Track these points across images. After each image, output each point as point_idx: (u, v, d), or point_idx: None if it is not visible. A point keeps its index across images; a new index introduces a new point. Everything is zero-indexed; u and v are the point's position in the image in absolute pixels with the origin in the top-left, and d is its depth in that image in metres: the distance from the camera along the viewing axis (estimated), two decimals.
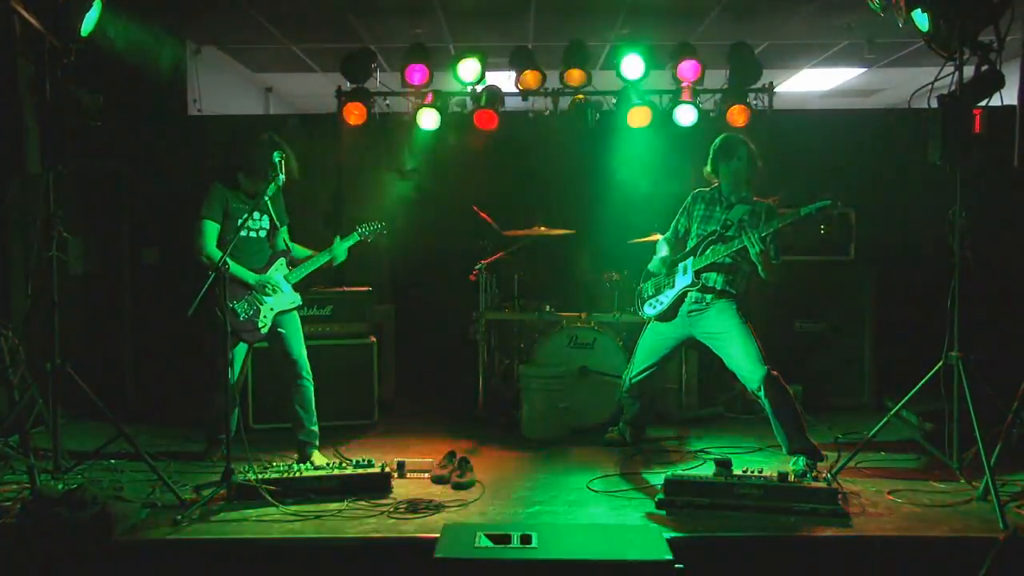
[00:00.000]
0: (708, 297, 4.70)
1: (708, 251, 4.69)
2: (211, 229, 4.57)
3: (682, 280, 4.80)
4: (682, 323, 4.83)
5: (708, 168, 4.81)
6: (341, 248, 4.87)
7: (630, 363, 5.17)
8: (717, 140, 4.80)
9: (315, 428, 4.80)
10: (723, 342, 4.65)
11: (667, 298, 4.87)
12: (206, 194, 4.61)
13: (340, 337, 5.78)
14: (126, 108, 5.61)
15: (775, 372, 4.45)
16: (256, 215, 4.69)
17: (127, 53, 5.91)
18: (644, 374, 5.04)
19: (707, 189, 4.89)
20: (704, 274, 4.71)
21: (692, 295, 4.75)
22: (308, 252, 4.90)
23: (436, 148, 6.92)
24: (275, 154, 4.42)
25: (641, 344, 5.09)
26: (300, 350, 4.77)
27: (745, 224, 4.60)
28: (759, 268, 4.49)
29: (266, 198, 4.48)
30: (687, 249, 4.85)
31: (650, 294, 5.03)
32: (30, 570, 3.49)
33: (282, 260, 4.77)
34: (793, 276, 5.71)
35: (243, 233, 4.57)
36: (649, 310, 5.01)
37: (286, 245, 4.84)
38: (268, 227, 4.74)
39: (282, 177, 4.43)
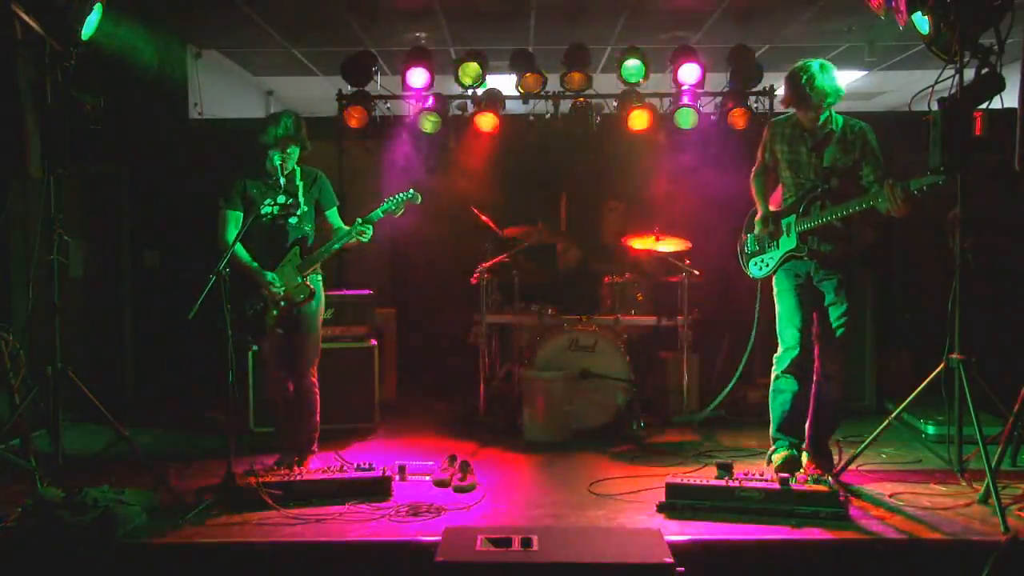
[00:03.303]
0: (819, 266, 4.44)
1: (813, 211, 4.36)
2: (227, 217, 4.50)
3: (786, 243, 4.50)
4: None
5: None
6: (367, 229, 4.62)
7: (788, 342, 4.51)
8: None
9: (310, 436, 4.77)
10: (829, 314, 4.44)
11: (772, 260, 4.58)
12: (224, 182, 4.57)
13: (341, 340, 5.76)
14: (127, 111, 5.61)
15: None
16: (280, 199, 4.55)
17: (121, 52, 5.91)
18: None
19: (782, 118, 4.55)
20: (810, 237, 4.40)
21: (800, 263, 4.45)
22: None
23: (437, 151, 6.93)
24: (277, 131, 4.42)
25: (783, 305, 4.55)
26: (299, 354, 4.64)
27: (841, 169, 4.29)
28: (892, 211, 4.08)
29: (281, 177, 4.40)
30: (788, 203, 4.52)
31: (754, 250, 4.73)
32: (32, 574, 3.49)
33: (296, 250, 4.58)
34: None
35: (265, 220, 4.52)
36: (755, 270, 4.72)
37: (305, 232, 4.63)
38: (294, 212, 4.57)
39: (297, 149, 4.41)
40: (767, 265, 4.63)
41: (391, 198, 4.72)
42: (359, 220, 4.62)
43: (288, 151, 4.47)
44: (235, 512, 3.95)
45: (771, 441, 4.62)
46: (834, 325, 4.43)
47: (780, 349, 4.55)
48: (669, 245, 5.98)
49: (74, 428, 5.39)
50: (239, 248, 4.43)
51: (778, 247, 4.55)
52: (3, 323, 4.90)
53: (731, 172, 5.50)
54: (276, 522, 3.83)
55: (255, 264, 4.51)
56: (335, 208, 4.79)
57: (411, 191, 4.75)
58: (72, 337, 5.51)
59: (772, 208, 4.64)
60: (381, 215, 4.68)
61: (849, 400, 4.66)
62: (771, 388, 4.60)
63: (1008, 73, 4.13)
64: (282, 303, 4.54)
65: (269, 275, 4.51)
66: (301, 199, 4.59)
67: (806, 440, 4.58)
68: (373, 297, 6.11)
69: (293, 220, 4.59)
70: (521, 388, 5.59)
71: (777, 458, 4.49)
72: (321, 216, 4.75)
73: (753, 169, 4.71)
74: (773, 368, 4.59)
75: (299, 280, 4.56)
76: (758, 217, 4.66)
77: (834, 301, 4.43)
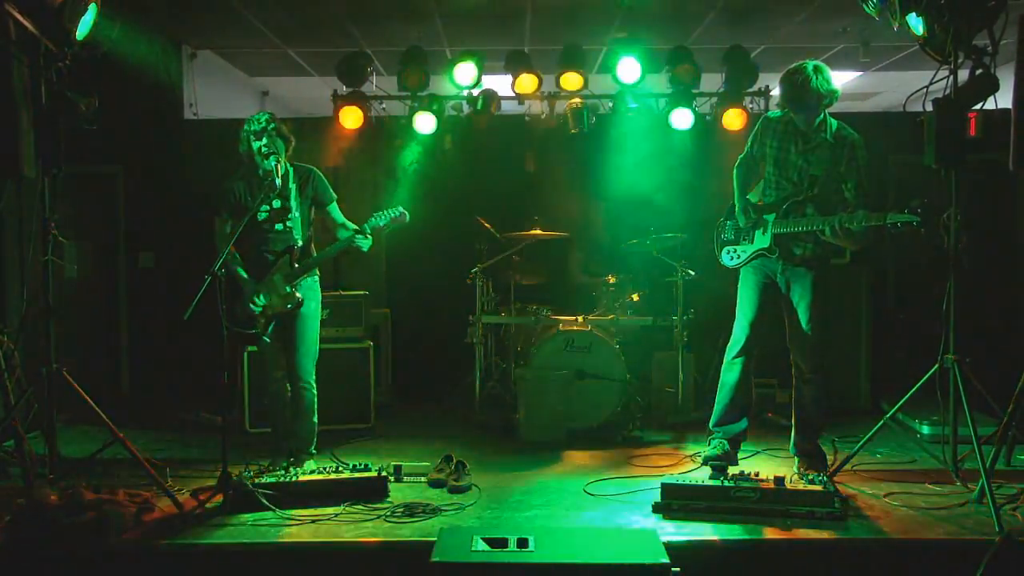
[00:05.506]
0: (787, 264, 4.48)
1: (791, 219, 4.40)
2: (220, 226, 4.56)
3: (760, 240, 4.53)
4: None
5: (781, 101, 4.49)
6: (365, 243, 4.58)
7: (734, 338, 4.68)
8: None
9: (307, 437, 4.75)
10: (797, 311, 4.48)
11: (744, 253, 4.60)
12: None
13: (337, 341, 5.76)
14: (122, 112, 5.59)
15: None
16: (276, 203, 4.51)
17: (125, 57, 5.90)
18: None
19: (777, 115, 4.56)
20: (783, 238, 4.44)
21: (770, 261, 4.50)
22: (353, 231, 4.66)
23: (432, 151, 6.92)
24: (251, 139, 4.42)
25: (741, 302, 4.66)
26: (294, 356, 4.62)
27: (825, 178, 4.35)
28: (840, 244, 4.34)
29: (276, 179, 4.37)
30: (768, 200, 4.54)
31: (729, 239, 4.70)
32: (26, 575, 3.48)
33: (286, 259, 4.54)
34: None
35: (262, 224, 4.51)
36: (727, 259, 4.70)
37: (296, 240, 4.54)
38: (286, 218, 4.51)
39: (281, 144, 4.41)
40: (739, 257, 4.65)
41: (379, 213, 4.63)
42: (355, 229, 4.59)
43: (269, 149, 4.41)
44: (230, 513, 3.95)
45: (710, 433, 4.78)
46: (803, 323, 4.46)
47: (731, 339, 4.67)
48: None
49: (69, 429, 5.38)
50: (234, 254, 4.45)
51: (752, 242, 4.58)
52: None
53: (726, 171, 5.51)
54: (272, 523, 3.82)
55: (245, 275, 4.54)
56: (335, 203, 4.73)
57: (399, 208, 4.65)
58: (67, 338, 5.49)
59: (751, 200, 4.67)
60: (370, 230, 4.59)
61: (836, 399, 4.67)
62: (720, 380, 4.73)
63: (1002, 74, 4.14)
64: (269, 312, 4.56)
65: (252, 289, 4.50)
66: (293, 203, 4.54)
67: (792, 443, 4.66)
68: (368, 298, 6.11)
69: (283, 226, 4.54)
70: (517, 388, 5.59)
71: (710, 449, 4.68)
72: (322, 212, 4.72)
73: (739, 157, 4.71)
74: (724, 357, 4.72)
75: (287, 290, 4.54)
76: (738, 208, 4.66)
77: (803, 298, 4.46)
